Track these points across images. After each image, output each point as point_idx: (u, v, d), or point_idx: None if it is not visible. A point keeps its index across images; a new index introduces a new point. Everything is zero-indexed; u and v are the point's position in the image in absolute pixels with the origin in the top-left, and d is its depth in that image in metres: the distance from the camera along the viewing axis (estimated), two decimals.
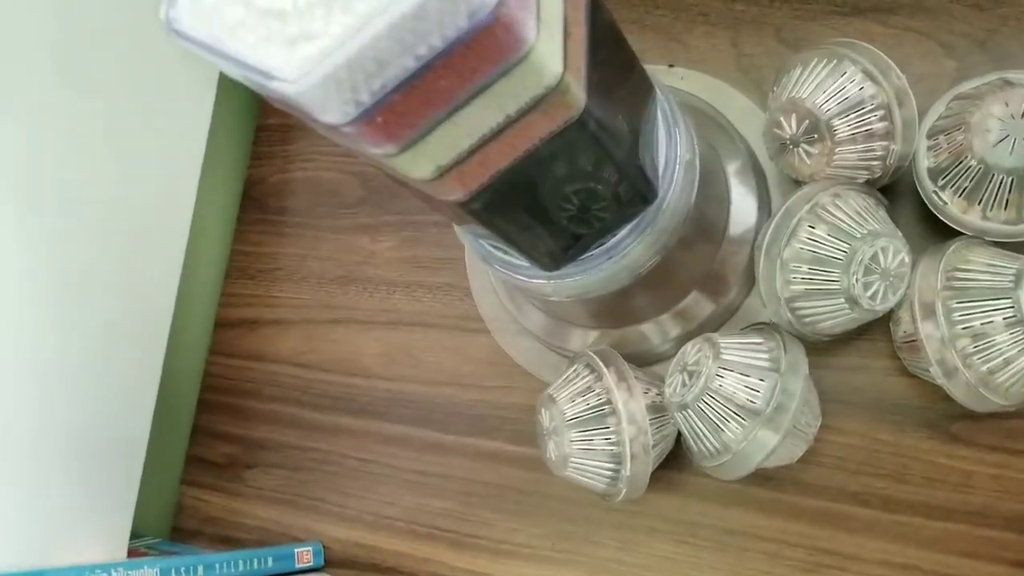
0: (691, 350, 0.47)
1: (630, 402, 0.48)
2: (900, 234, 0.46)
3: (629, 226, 0.43)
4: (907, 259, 0.45)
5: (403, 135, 0.28)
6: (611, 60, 0.37)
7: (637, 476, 0.48)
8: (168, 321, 0.65)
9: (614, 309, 0.54)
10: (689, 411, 0.46)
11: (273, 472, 0.66)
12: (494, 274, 0.47)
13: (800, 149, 0.48)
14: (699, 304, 0.53)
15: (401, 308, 0.64)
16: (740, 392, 0.45)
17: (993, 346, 0.42)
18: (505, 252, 0.45)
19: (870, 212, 0.46)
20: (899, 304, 0.46)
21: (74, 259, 0.58)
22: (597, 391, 0.49)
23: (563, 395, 0.50)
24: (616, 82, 0.37)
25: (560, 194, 0.38)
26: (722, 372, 0.45)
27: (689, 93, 0.57)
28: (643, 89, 0.42)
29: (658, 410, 0.49)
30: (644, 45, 0.60)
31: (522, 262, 0.45)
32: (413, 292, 0.64)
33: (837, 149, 0.47)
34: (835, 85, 0.46)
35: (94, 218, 0.59)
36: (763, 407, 0.45)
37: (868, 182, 0.48)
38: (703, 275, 0.52)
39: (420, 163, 0.30)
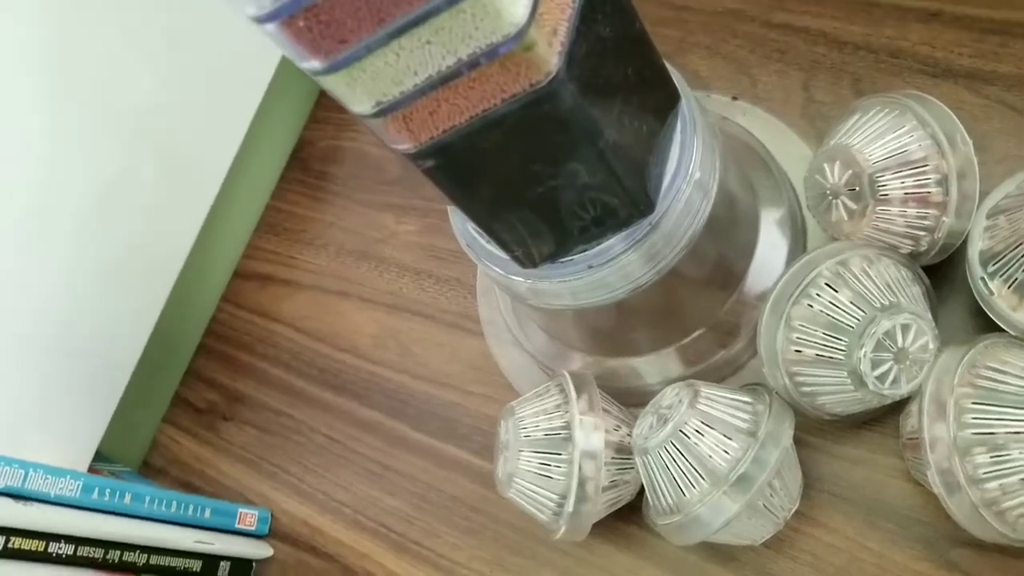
0: (670, 392, 0.43)
1: (592, 434, 0.43)
2: (930, 317, 0.40)
3: (619, 236, 0.39)
4: (932, 346, 0.39)
5: (331, 50, 0.26)
6: (614, 44, 0.33)
7: (580, 516, 0.44)
8: (183, 257, 0.65)
9: (611, 335, 0.50)
10: (650, 457, 0.41)
11: (246, 429, 0.64)
12: (480, 267, 0.44)
13: (840, 201, 0.43)
14: (701, 347, 0.48)
15: (405, 294, 0.62)
16: (706, 449, 0.40)
17: (1011, 461, 0.36)
18: (488, 241, 0.42)
19: (902, 286, 0.41)
20: (913, 396, 0.40)
21: (107, 169, 0.59)
22: (560, 415, 0.45)
23: (526, 411, 0.46)
24: (616, 70, 0.34)
25: (529, 181, 0.34)
26: (693, 422, 0.40)
27: (746, 130, 0.53)
28: (661, 93, 0.39)
29: (624, 452, 0.45)
30: (712, 73, 0.56)
31: (503, 255, 0.41)
32: (421, 280, 0.61)
33: (880, 208, 0.41)
34: (890, 138, 0.41)
35: (134, 131, 0.60)
36: (727, 471, 0.39)
37: (912, 255, 0.43)
38: (710, 319, 0.48)
39: (357, 93, 0.28)
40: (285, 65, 0.67)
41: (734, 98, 0.55)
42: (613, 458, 0.45)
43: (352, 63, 0.26)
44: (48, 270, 0.57)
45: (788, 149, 0.52)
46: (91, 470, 0.60)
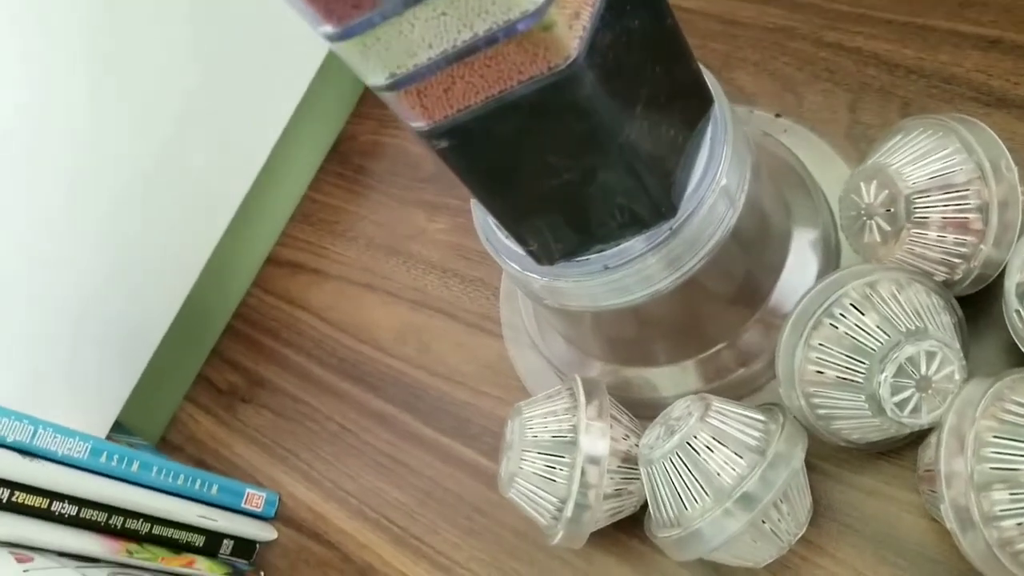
0: (681, 404, 0.42)
1: (598, 440, 0.43)
2: (959, 347, 0.38)
3: (639, 239, 0.38)
4: (957, 376, 0.38)
5: (344, 15, 0.26)
6: (642, 37, 0.33)
7: (579, 522, 0.43)
8: (216, 238, 0.66)
9: (630, 344, 0.49)
10: (654, 467, 0.40)
11: (263, 413, 0.64)
12: (498, 261, 0.43)
13: (874, 222, 0.41)
14: (719, 364, 0.47)
15: (429, 291, 0.61)
16: (712, 464, 0.39)
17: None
18: (507, 236, 0.42)
19: (932, 314, 0.39)
20: (934, 427, 0.38)
21: (151, 147, 0.60)
22: (568, 418, 0.44)
23: (534, 412, 0.45)
24: (643, 64, 0.33)
25: (546, 172, 0.34)
26: (701, 436, 0.39)
27: (787, 148, 0.51)
28: (692, 96, 0.38)
29: (631, 462, 0.44)
30: (757, 89, 0.55)
31: (521, 251, 0.41)
32: (447, 279, 0.61)
33: (915, 232, 0.40)
34: (931, 160, 0.40)
35: (180, 113, 0.61)
36: (731, 488, 0.38)
37: (946, 284, 0.41)
38: (731, 335, 0.46)
39: (370, 63, 0.28)
40: (331, 59, 0.68)
41: (777, 115, 0.54)
42: (619, 467, 0.43)
43: (365, 30, 0.26)
44: (87, 241, 0.58)
45: (829, 170, 0.50)
46: (109, 439, 0.61)
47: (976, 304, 0.42)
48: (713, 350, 0.46)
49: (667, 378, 0.48)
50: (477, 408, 0.55)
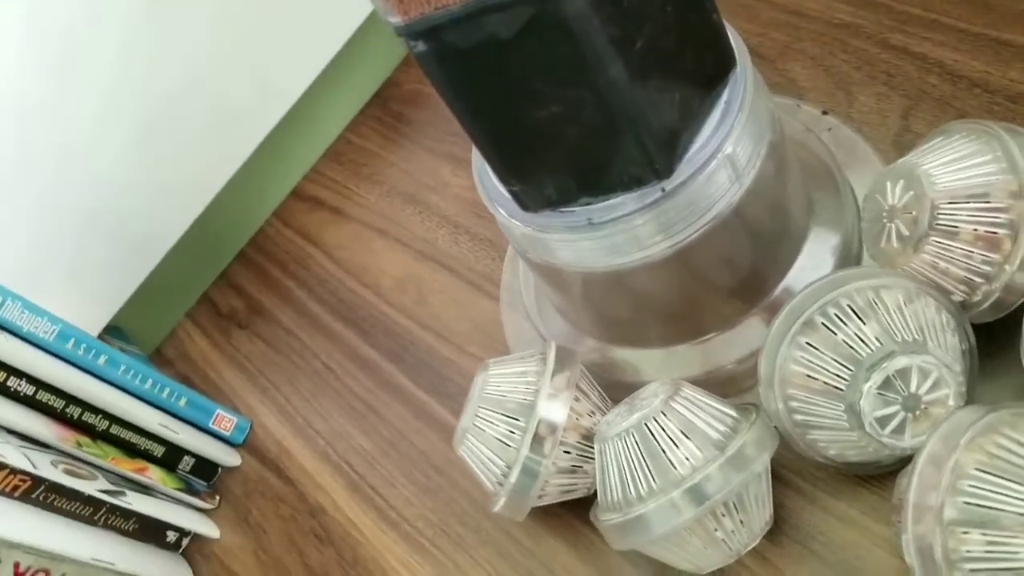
0: (652, 386, 0.39)
1: (556, 408, 0.40)
2: (959, 371, 0.34)
3: (630, 197, 0.36)
4: (951, 402, 0.34)
5: None
6: None
7: (523, 492, 0.40)
8: (242, 159, 0.65)
9: (621, 321, 0.46)
10: (607, 446, 0.38)
11: (255, 341, 0.63)
12: (492, 211, 0.41)
13: (894, 226, 0.38)
14: (709, 353, 0.43)
15: (438, 244, 0.60)
16: (667, 450, 0.36)
17: (1009, 549, 0.30)
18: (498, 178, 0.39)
19: (937, 332, 0.35)
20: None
21: (193, 58, 0.60)
22: (534, 382, 0.41)
23: (501, 370, 0.43)
24: (649, 5, 0.30)
25: (529, 100, 0.31)
26: (660, 419, 0.36)
27: (825, 146, 0.48)
28: (709, 52, 0.35)
29: (592, 441, 0.41)
30: (810, 83, 0.52)
31: (507, 193, 0.39)
32: (457, 234, 0.59)
33: (935, 239, 0.36)
34: (965, 165, 0.36)
35: (227, 32, 0.61)
36: (680, 478, 0.35)
37: (963, 306, 0.37)
38: (726, 325, 0.43)
39: None
40: None
41: (824, 112, 0.50)
42: (578, 442, 0.41)
43: None
44: (114, 140, 0.58)
45: (867, 175, 0.47)
46: (101, 339, 0.61)
47: (992, 336, 0.38)
48: (705, 338, 0.43)
49: (653, 363, 0.45)
50: (459, 367, 0.53)
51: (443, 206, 0.62)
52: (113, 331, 0.65)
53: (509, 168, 0.35)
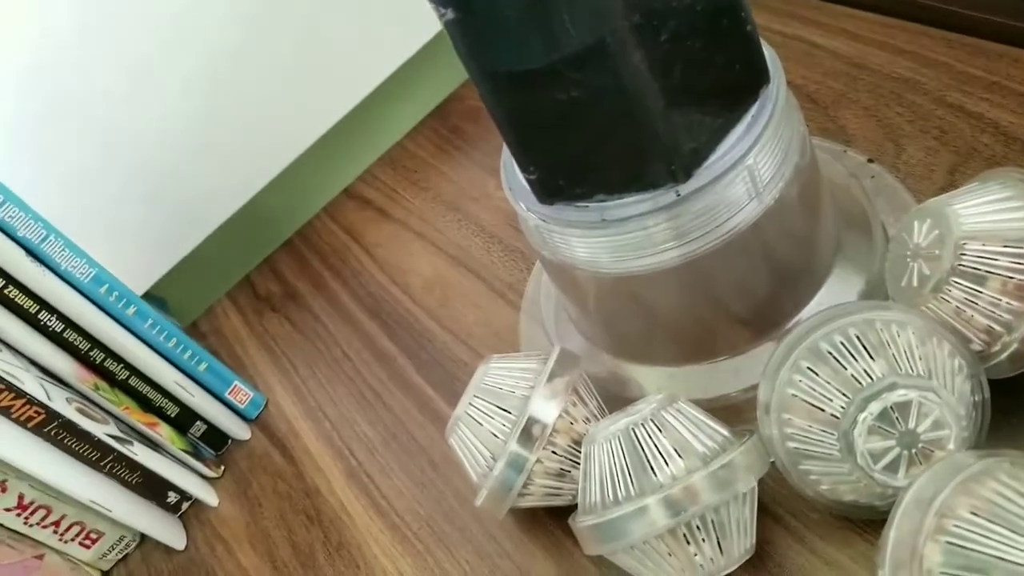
0: (648, 397, 0.38)
1: (548, 406, 0.40)
2: (964, 416, 0.33)
3: (644, 198, 0.36)
4: (952, 446, 0.32)
5: None
6: None
7: (503, 486, 0.40)
8: (298, 151, 0.68)
9: (632, 336, 0.46)
10: (593, 448, 0.37)
11: (285, 324, 0.65)
12: (513, 203, 0.42)
13: (917, 265, 0.37)
14: (716, 376, 0.43)
15: (471, 252, 0.60)
16: (650, 456, 0.35)
17: None
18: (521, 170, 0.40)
19: (946, 376, 0.34)
20: None
21: (254, 48, 0.63)
22: (531, 378, 0.41)
23: (502, 364, 0.43)
24: None
25: (551, 80, 0.32)
26: (648, 426, 0.36)
27: (864, 191, 0.47)
28: (741, 63, 0.35)
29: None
30: (859, 132, 0.51)
31: (526, 184, 0.39)
32: (491, 244, 0.60)
33: (955, 280, 0.35)
34: (995, 208, 0.35)
35: (300, 21, 0.64)
36: (658, 485, 0.34)
37: (981, 357, 0.36)
38: (735, 353, 0.42)
39: None
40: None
41: (870, 160, 0.50)
42: (569, 447, 0.40)
43: None
44: (182, 112, 0.61)
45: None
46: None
47: (1012, 393, 0.36)
48: (712, 361, 0.43)
49: (658, 381, 0.45)
50: (470, 369, 0.53)
51: (482, 216, 0.62)
52: (154, 300, 0.67)
53: (527, 151, 0.36)
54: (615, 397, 0.44)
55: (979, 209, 0.35)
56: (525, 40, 0.31)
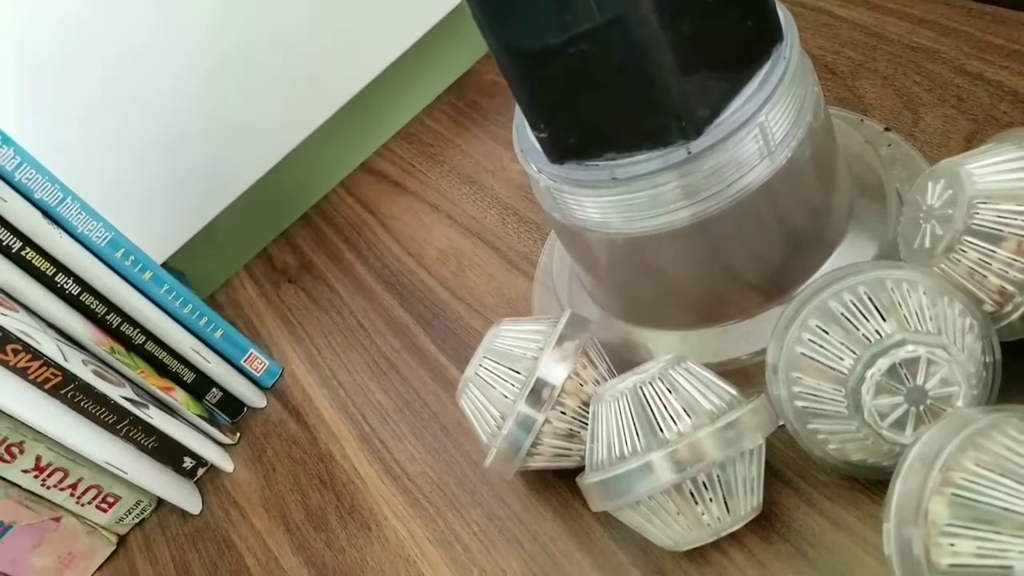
0: (657, 358, 0.38)
1: (557, 366, 0.40)
2: (974, 374, 0.33)
3: (654, 156, 0.36)
4: (960, 403, 0.32)
5: None
6: None
7: (512, 445, 0.40)
8: (313, 126, 0.68)
9: (644, 300, 0.46)
10: (601, 406, 0.37)
11: (300, 295, 0.65)
12: (523, 164, 0.42)
13: (929, 226, 0.37)
14: (726, 340, 0.42)
15: (486, 224, 0.60)
16: (656, 413, 0.35)
17: (999, 546, 0.28)
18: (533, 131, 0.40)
19: (956, 334, 0.33)
20: None
21: (287, 17, 0.64)
22: (540, 340, 0.41)
23: (513, 327, 0.43)
24: None
25: (559, 28, 0.32)
26: (656, 384, 0.36)
27: (880, 158, 0.47)
28: (753, 19, 0.35)
29: None
30: (877, 101, 0.51)
31: (537, 145, 0.39)
32: (506, 216, 0.60)
33: (967, 239, 0.35)
34: (1010, 167, 0.35)
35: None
36: (664, 441, 0.34)
37: (993, 317, 0.36)
38: (745, 317, 0.42)
39: None
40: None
41: (887, 128, 0.49)
42: (579, 408, 0.40)
43: None
44: (202, 83, 0.62)
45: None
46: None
47: (1022, 355, 0.36)
48: (722, 325, 0.42)
49: (668, 345, 0.45)
50: (481, 339, 0.53)
51: (497, 188, 0.63)
52: (174, 273, 0.67)
53: (538, 108, 0.36)
54: (626, 362, 0.44)
55: (993, 169, 0.35)
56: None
